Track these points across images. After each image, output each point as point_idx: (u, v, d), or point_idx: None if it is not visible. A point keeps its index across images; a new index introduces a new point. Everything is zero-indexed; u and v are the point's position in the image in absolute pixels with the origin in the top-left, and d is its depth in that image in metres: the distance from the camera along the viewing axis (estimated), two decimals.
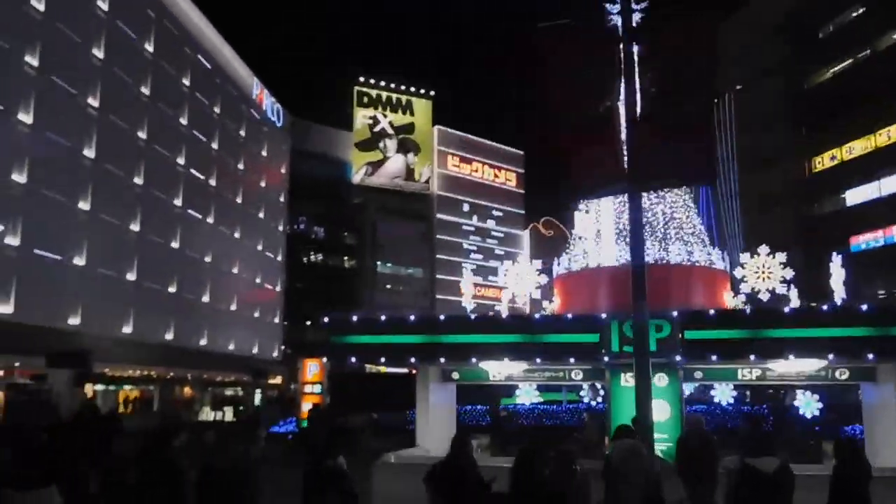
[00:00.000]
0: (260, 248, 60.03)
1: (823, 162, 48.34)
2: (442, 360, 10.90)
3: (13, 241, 33.23)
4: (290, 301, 62.56)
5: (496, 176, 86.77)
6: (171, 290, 45.30)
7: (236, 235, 54.99)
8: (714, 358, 9.95)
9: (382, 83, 79.77)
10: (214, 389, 43.10)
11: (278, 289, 63.12)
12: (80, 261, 37.39)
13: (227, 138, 54.41)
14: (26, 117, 34.09)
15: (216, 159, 52.58)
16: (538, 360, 10.60)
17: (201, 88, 50.60)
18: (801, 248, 48.56)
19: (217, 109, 53.12)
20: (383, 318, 11.00)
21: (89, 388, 32.90)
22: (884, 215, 43.22)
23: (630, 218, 5.02)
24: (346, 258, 73.58)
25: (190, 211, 48.10)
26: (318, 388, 27.81)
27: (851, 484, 6.87)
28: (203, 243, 49.59)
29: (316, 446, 6.71)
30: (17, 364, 32.20)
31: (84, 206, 37.86)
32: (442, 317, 10.92)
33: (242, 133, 57.76)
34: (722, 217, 57.39)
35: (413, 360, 10.85)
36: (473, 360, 10.87)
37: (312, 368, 27.18)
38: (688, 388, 25.98)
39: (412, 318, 11.01)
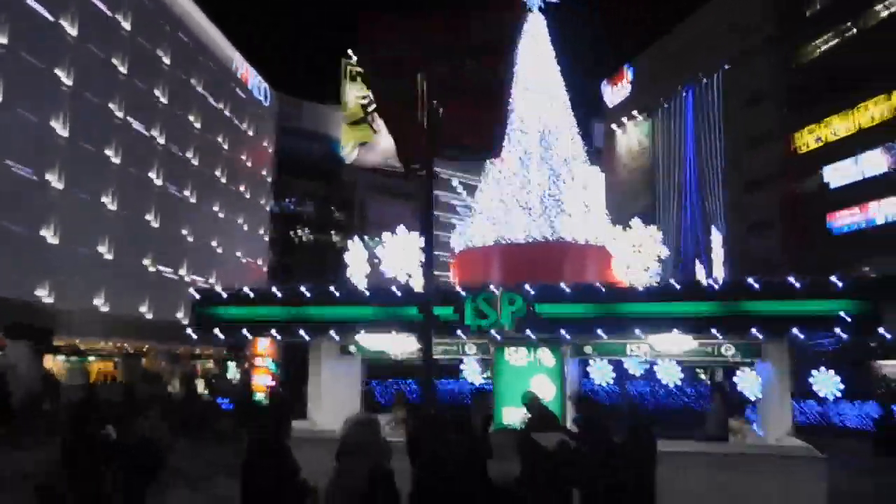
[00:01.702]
0: (245, 225, 60.18)
1: (807, 142, 47.79)
2: (302, 332, 10.86)
3: None
4: (277, 277, 62.69)
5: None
6: (147, 263, 45.51)
7: (218, 211, 55.08)
8: (564, 333, 9.86)
9: None
10: (187, 363, 43.48)
11: (261, 263, 63.33)
12: (49, 235, 37.54)
13: (209, 116, 54.32)
14: None
15: (198, 136, 52.53)
16: (396, 334, 10.52)
17: (181, 65, 50.40)
18: (784, 226, 48.42)
19: (199, 88, 52.96)
20: (248, 290, 10.96)
21: (51, 361, 33.13)
22: (863, 195, 42.86)
23: (425, 189, 4.89)
24: (335, 235, 73.56)
25: (169, 188, 48.17)
26: (269, 362, 27.89)
27: (632, 463, 6.79)
28: (182, 220, 49.72)
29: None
30: None
31: (55, 181, 37.96)
32: (304, 289, 10.86)
33: (226, 111, 57.64)
34: (706, 197, 57.03)
35: (275, 332, 10.82)
36: (332, 333, 10.82)
37: (262, 342, 27.18)
38: (639, 368, 25.94)
39: (274, 290, 10.96)
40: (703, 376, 30.67)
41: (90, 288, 40.09)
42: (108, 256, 41.83)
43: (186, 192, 50.70)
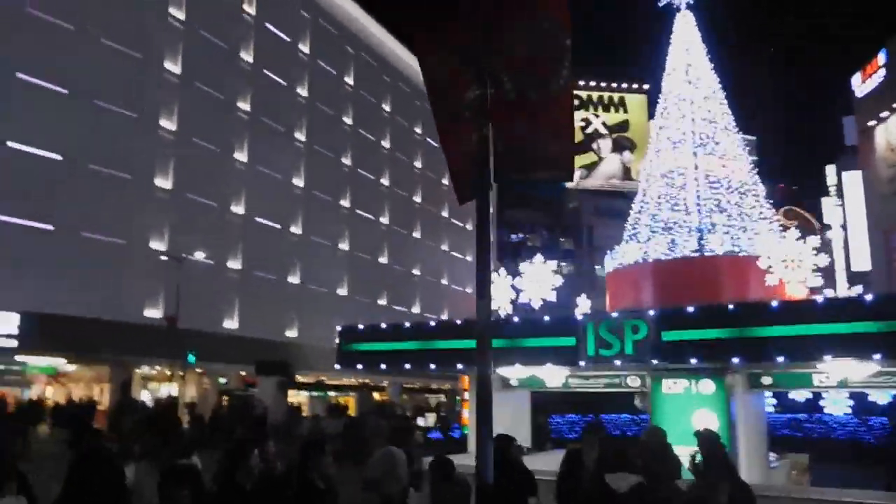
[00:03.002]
0: (470, 258, 62.06)
1: None
2: (432, 365, 10.87)
3: (235, 265, 38.13)
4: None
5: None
6: (382, 302, 48.64)
7: (444, 248, 57.50)
8: (694, 361, 8.72)
9: (592, 83, 78.19)
10: (416, 396, 45.38)
11: None
12: (294, 279, 41.77)
13: (430, 156, 57.21)
14: (242, 156, 39.01)
15: (419, 177, 55.56)
16: (517, 365, 10.12)
17: (401, 111, 53.84)
18: None
19: (418, 129, 56.13)
20: (384, 325, 11.22)
21: (297, 395, 36.43)
22: None
23: (477, 210, 4.84)
24: (562, 264, 73.17)
25: (396, 227, 51.37)
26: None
27: None
28: (411, 257, 52.62)
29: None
30: (243, 373, 36.75)
31: (296, 230, 42.28)
32: (432, 323, 10.86)
33: None
34: None
35: (407, 365, 10.93)
36: (459, 365, 10.68)
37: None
38: (886, 398, 22.43)
39: (406, 325, 11.10)
40: None
41: (330, 326, 43.61)
42: (346, 296, 45.46)
43: (413, 231, 53.68)
